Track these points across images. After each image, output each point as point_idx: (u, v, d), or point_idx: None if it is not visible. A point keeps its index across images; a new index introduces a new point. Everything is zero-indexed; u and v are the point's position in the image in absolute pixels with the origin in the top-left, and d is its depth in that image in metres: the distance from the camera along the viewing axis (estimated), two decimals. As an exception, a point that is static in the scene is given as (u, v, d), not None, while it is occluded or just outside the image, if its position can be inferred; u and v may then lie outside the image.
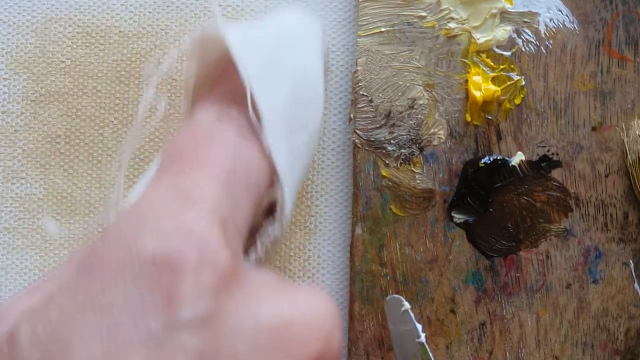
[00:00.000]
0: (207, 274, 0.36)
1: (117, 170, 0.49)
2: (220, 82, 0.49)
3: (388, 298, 0.59)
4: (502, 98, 0.62)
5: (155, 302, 0.35)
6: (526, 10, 0.63)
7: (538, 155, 0.62)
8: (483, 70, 0.62)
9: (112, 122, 0.64)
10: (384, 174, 0.62)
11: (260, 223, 0.47)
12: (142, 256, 0.35)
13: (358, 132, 0.61)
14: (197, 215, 0.38)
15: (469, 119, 0.62)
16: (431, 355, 0.57)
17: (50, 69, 0.65)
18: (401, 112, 0.62)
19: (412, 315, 0.58)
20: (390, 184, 0.62)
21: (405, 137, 0.62)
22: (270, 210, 0.47)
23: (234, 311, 0.37)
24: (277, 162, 0.45)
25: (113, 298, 0.35)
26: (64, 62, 0.65)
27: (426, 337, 0.58)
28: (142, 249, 0.36)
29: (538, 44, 0.62)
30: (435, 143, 0.62)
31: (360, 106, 0.62)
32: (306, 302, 0.40)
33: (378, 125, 0.62)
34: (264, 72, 0.47)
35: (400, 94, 0.62)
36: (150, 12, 0.65)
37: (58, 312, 0.35)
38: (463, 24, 0.62)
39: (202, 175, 0.41)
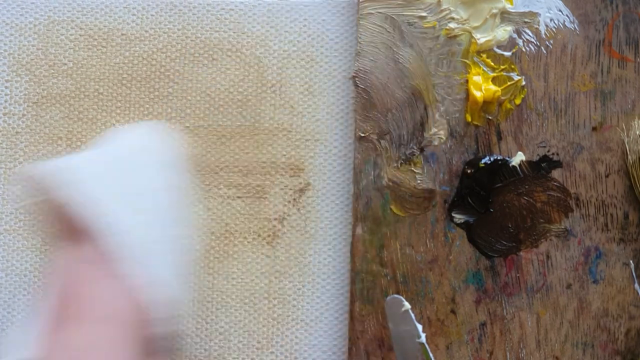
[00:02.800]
0: None
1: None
2: (69, 219, 0.49)
3: (388, 298, 0.59)
4: (502, 98, 0.62)
5: None
6: (526, 10, 0.63)
7: (538, 155, 0.62)
8: (483, 70, 0.62)
9: (114, 124, 0.65)
10: (385, 174, 0.62)
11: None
12: None
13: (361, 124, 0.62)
14: None
15: (469, 119, 0.62)
16: (431, 355, 0.57)
17: (52, 70, 0.65)
18: (401, 111, 0.62)
19: (412, 315, 0.58)
20: (391, 183, 0.62)
21: (405, 134, 0.62)
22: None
23: None
24: (148, 293, 0.47)
25: None
26: (65, 64, 0.65)
27: (426, 337, 0.58)
28: None
29: (538, 44, 0.62)
30: (435, 143, 0.62)
31: (361, 106, 0.62)
32: None
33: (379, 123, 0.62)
34: (115, 203, 0.48)
35: (400, 94, 0.62)
36: (152, 15, 0.66)
37: None
38: (463, 24, 0.62)
39: (84, 329, 0.44)
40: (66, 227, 0.49)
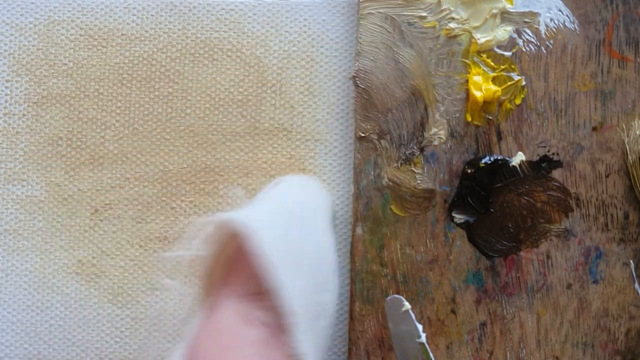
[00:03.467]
0: None
1: None
2: (237, 270, 0.48)
3: (388, 298, 0.59)
4: (503, 98, 0.62)
5: None
6: (526, 10, 0.63)
7: (538, 155, 0.62)
8: (483, 70, 0.62)
9: (114, 124, 0.65)
10: (385, 174, 0.62)
11: None
12: None
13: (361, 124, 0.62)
14: None
15: (469, 118, 0.62)
16: (431, 355, 0.57)
17: (52, 70, 0.65)
18: (401, 111, 0.62)
19: (412, 315, 0.58)
20: (391, 183, 0.62)
21: (405, 134, 0.62)
22: None
23: None
24: None
25: None
26: (65, 64, 0.65)
27: (426, 337, 0.58)
28: None
29: (538, 43, 0.62)
30: (436, 143, 0.62)
31: (361, 106, 0.62)
32: None
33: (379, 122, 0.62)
34: (284, 260, 0.45)
35: (400, 93, 0.62)
36: (152, 15, 0.66)
37: None
38: (463, 24, 0.62)
39: None
40: (240, 282, 0.47)
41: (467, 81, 0.62)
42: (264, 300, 0.44)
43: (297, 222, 0.49)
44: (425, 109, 0.62)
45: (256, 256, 0.44)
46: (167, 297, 0.55)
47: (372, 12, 0.62)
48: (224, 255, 0.48)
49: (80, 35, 0.65)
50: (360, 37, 0.62)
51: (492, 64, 0.62)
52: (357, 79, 0.62)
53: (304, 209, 0.51)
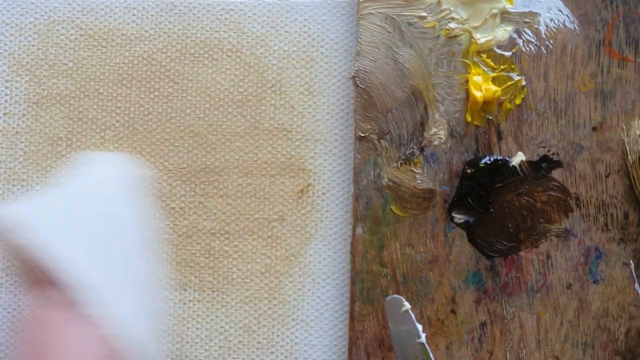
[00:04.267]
0: None
1: None
2: (30, 267, 0.49)
3: (388, 298, 0.59)
4: (502, 98, 0.62)
5: None
6: (526, 10, 0.63)
7: (538, 155, 0.62)
8: (483, 70, 0.62)
9: (114, 124, 0.65)
10: (385, 174, 0.62)
11: None
12: None
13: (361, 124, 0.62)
14: None
15: (469, 119, 0.62)
16: (431, 355, 0.57)
17: (52, 71, 0.65)
18: (401, 111, 0.62)
19: (412, 315, 0.58)
20: (391, 183, 0.62)
21: (405, 134, 0.62)
22: None
23: None
24: (119, 332, 0.47)
25: None
26: (65, 64, 0.65)
27: (426, 337, 0.58)
28: None
29: (538, 44, 0.62)
30: (435, 143, 0.62)
31: (361, 106, 0.62)
32: None
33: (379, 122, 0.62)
34: (66, 240, 0.48)
35: (400, 93, 0.62)
36: (152, 15, 0.66)
37: None
38: (463, 24, 0.62)
39: None
40: (29, 272, 0.49)
41: (467, 81, 0.62)
42: (56, 284, 0.47)
43: (92, 201, 0.51)
44: (425, 109, 0.62)
45: (28, 246, 0.47)
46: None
47: (372, 12, 0.62)
48: (9, 248, 0.51)
49: (80, 35, 0.65)
50: (360, 37, 0.62)
51: (492, 64, 0.62)
52: (357, 79, 0.62)
53: (102, 184, 0.53)
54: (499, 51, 0.62)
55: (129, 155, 0.64)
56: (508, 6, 0.62)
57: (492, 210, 0.62)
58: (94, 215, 0.50)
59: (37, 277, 0.48)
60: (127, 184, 0.55)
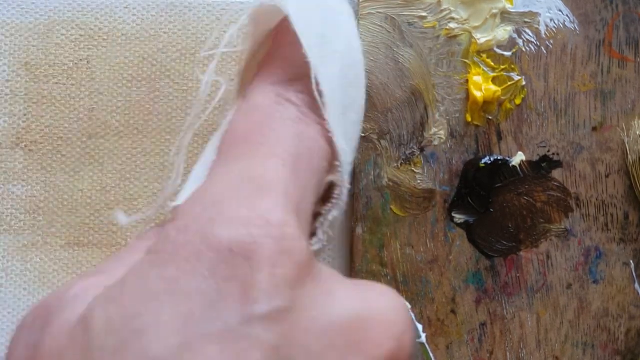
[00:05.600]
0: (284, 266, 0.34)
1: (175, 155, 0.46)
2: (272, 58, 0.46)
3: (388, 298, 0.59)
4: (503, 98, 0.62)
5: (231, 293, 0.33)
6: (526, 10, 0.63)
7: (538, 155, 0.62)
8: (483, 70, 0.62)
9: (114, 124, 0.65)
10: (385, 174, 0.62)
11: (318, 210, 0.45)
12: (218, 245, 0.34)
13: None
14: (272, 202, 0.37)
15: (469, 119, 0.62)
16: (431, 355, 0.57)
17: (52, 70, 0.65)
18: (401, 111, 0.62)
19: (412, 315, 0.58)
20: (391, 183, 0.62)
21: (405, 134, 0.62)
22: (324, 196, 0.45)
23: (308, 306, 0.35)
24: (338, 143, 0.43)
25: (188, 287, 0.34)
26: (65, 64, 0.65)
27: (426, 337, 0.58)
28: (218, 237, 0.35)
29: (538, 43, 0.62)
30: (436, 143, 0.62)
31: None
32: (378, 299, 0.38)
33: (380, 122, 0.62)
34: (320, 48, 0.44)
35: (400, 93, 0.62)
36: (152, 15, 0.66)
37: (131, 298, 0.34)
38: (463, 24, 0.62)
39: (271, 161, 0.40)
40: (273, 68, 0.45)
41: (467, 81, 0.62)
42: (297, 85, 0.44)
43: (329, 15, 0.48)
44: (425, 109, 0.62)
45: (293, 40, 0.43)
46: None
47: (372, 12, 0.62)
48: (258, 46, 0.47)
49: (81, 36, 0.65)
50: (360, 37, 0.62)
51: (492, 64, 0.62)
52: (357, 79, 0.62)
53: (332, 7, 0.49)
54: (499, 51, 0.62)
55: None
56: (508, 6, 0.62)
57: (492, 210, 0.62)
58: (334, 31, 0.47)
59: (279, 76, 0.44)
60: (348, 12, 0.51)
